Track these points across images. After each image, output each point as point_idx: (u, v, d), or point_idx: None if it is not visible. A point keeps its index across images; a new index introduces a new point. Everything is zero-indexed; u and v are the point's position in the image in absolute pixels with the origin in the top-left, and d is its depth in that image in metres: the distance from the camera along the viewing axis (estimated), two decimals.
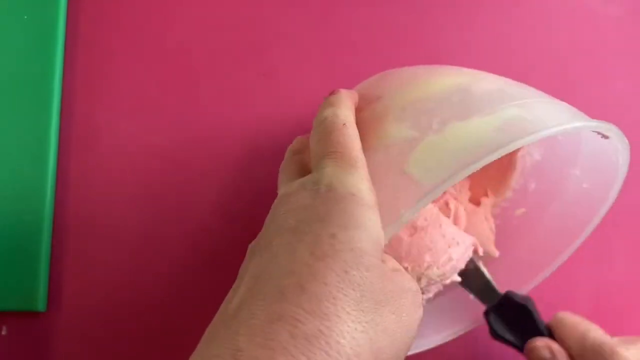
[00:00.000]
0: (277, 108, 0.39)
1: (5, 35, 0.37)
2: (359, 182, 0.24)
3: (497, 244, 0.36)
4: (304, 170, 0.27)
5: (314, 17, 0.40)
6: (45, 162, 0.37)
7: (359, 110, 0.29)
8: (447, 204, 0.34)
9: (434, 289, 0.35)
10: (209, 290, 0.37)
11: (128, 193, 0.38)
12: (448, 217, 0.34)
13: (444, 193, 0.34)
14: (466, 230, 0.35)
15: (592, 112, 0.27)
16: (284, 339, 0.20)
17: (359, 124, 0.27)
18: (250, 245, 0.25)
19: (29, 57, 0.37)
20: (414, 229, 0.32)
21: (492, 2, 0.41)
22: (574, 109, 0.27)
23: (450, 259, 0.32)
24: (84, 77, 0.39)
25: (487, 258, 0.36)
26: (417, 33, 0.40)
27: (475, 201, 0.37)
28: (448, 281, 0.33)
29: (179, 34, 0.39)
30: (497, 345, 0.36)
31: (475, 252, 0.34)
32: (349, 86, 0.33)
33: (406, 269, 0.31)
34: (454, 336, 0.35)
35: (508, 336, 0.34)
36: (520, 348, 0.34)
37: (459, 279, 0.34)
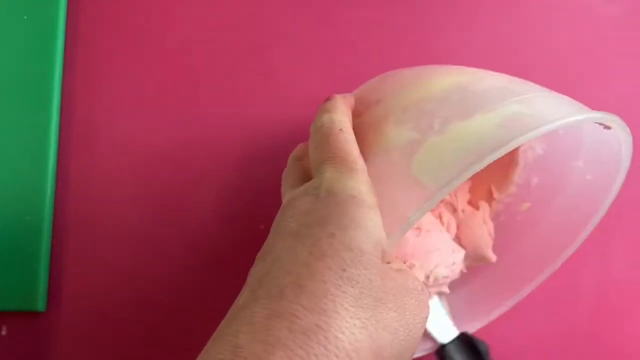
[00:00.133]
0: (277, 108, 0.39)
1: (5, 35, 0.37)
2: (359, 184, 0.24)
3: (502, 241, 0.36)
4: (306, 176, 0.27)
5: (314, 17, 0.40)
6: (45, 162, 0.37)
7: (359, 115, 0.29)
8: (440, 216, 0.34)
9: (433, 292, 0.35)
10: (209, 290, 0.37)
11: (128, 193, 0.38)
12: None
13: (439, 203, 0.35)
14: (464, 234, 0.35)
15: None
16: (282, 335, 0.21)
17: (360, 128, 0.27)
18: (257, 255, 0.25)
19: (29, 57, 0.37)
20: (419, 230, 0.32)
21: (492, 2, 0.41)
22: (576, 102, 0.27)
23: (454, 263, 0.32)
24: (84, 77, 0.39)
25: (487, 262, 0.36)
26: (417, 33, 0.40)
27: (475, 204, 0.37)
28: (445, 288, 0.33)
29: (179, 34, 0.39)
30: (494, 342, 0.36)
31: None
32: (349, 87, 0.33)
33: (413, 266, 0.31)
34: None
35: None
36: None
37: (447, 290, 0.34)
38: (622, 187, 0.31)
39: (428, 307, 0.24)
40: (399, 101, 0.28)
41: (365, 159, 0.26)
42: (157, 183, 0.38)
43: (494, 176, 0.36)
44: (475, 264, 0.36)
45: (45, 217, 0.36)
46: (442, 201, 0.35)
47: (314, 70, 0.39)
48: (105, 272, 0.37)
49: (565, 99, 0.27)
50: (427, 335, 0.35)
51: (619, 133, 0.28)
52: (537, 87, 0.28)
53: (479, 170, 0.23)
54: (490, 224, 0.36)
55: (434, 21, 0.40)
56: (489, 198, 0.37)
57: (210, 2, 0.40)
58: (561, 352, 0.38)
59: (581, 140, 0.32)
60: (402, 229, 0.24)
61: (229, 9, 0.40)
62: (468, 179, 0.36)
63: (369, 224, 0.23)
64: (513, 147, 0.23)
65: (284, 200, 0.26)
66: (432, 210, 0.34)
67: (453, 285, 0.36)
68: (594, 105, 0.27)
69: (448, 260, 0.32)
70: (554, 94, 0.28)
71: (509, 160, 0.36)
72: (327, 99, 0.29)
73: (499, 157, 0.23)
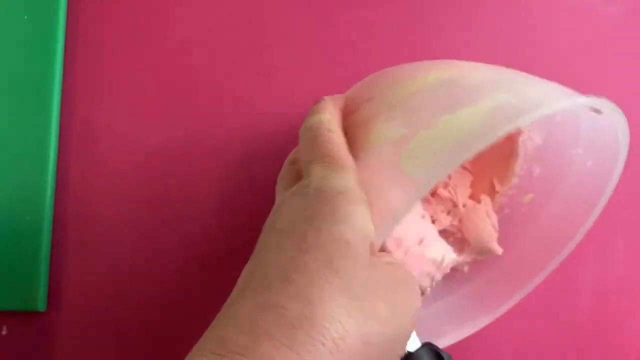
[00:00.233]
0: (277, 108, 0.39)
1: (5, 35, 0.37)
2: (347, 182, 0.24)
3: (508, 234, 0.36)
4: (299, 179, 0.27)
5: (314, 17, 0.40)
6: (45, 162, 0.37)
7: (351, 113, 0.29)
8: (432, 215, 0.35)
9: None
10: (209, 290, 0.37)
11: (128, 193, 0.38)
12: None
13: (435, 201, 0.35)
14: (467, 228, 0.35)
15: None
16: (268, 325, 0.21)
17: (352, 126, 0.28)
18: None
19: (29, 57, 0.37)
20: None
21: (492, 2, 0.41)
22: (566, 89, 0.27)
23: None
24: (84, 77, 0.39)
25: (493, 255, 0.35)
26: (417, 33, 0.40)
27: (477, 199, 0.36)
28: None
29: (179, 34, 0.39)
30: (495, 342, 0.36)
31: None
32: (349, 87, 0.33)
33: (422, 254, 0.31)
34: (465, 336, 0.35)
35: None
36: None
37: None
38: (622, 187, 0.31)
39: (419, 298, 0.25)
40: (388, 98, 0.28)
41: (357, 156, 0.26)
42: (157, 183, 0.38)
43: (496, 169, 0.36)
44: (480, 257, 0.35)
45: (45, 217, 0.36)
46: (439, 197, 0.35)
47: (314, 70, 0.39)
48: (105, 272, 0.37)
49: (555, 86, 0.27)
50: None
51: (613, 117, 0.27)
52: (529, 76, 0.28)
53: (466, 160, 0.23)
54: (494, 217, 0.36)
55: (434, 21, 0.40)
56: (492, 191, 0.36)
57: (210, 2, 0.40)
58: (561, 352, 0.38)
59: (579, 128, 0.32)
60: (391, 223, 0.24)
61: (229, 9, 0.40)
62: (470, 174, 0.36)
63: (357, 218, 0.23)
64: (500, 137, 0.23)
65: (276, 202, 0.27)
66: (426, 209, 0.34)
67: (459, 282, 0.36)
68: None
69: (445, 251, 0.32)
70: (545, 82, 0.28)
71: (510, 152, 0.36)
72: (317, 102, 0.29)
73: (486, 147, 0.23)
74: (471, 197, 0.36)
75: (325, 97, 0.29)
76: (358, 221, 0.23)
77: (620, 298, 0.39)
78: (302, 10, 0.40)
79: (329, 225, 0.23)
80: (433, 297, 0.36)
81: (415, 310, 0.24)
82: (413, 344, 0.32)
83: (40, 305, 0.36)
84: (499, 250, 0.35)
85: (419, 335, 0.33)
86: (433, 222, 0.35)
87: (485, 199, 0.36)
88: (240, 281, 0.24)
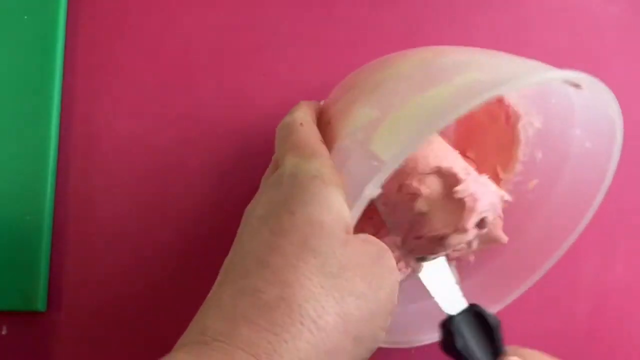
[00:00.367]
0: (277, 108, 0.39)
1: (5, 36, 0.37)
2: (320, 166, 0.25)
3: (515, 221, 0.35)
4: None
5: (314, 17, 0.40)
6: (45, 162, 0.37)
7: (333, 104, 0.29)
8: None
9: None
10: (210, 290, 0.37)
11: (128, 193, 0.38)
12: None
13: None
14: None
15: None
16: (247, 310, 0.21)
17: (332, 116, 0.28)
18: None
19: (29, 57, 0.37)
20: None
21: (492, 2, 0.41)
22: (544, 64, 0.26)
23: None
24: (84, 77, 0.39)
25: (498, 243, 0.35)
26: (417, 33, 0.40)
27: None
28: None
29: (179, 34, 0.39)
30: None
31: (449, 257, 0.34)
32: None
33: (476, 200, 0.31)
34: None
35: (472, 352, 0.30)
36: None
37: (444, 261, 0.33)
38: (622, 186, 0.31)
39: (396, 270, 0.25)
40: (366, 86, 0.28)
41: (335, 143, 0.27)
42: (157, 183, 0.38)
43: (499, 157, 0.36)
44: (485, 246, 0.35)
45: (45, 217, 0.36)
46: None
47: (314, 70, 0.39)
48: (106, 272, 0.37)
49: (533, 62, 0.27)
50: (405, 330, 0.34)
51: (598, 92, 0.27)
52: (508, 55, 0.28)
53: (429, 136, 0.23)
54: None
55: (433, 21, 0.40)
56: (496, 180, 0.36)
57: (211, 2, 0.40)
58: (561, 352, 0.38)
59: (573, 108, 0.32)
60: (359, 204, 0.24)
61: (229, 9, 0.40)
62: (473, 162, 0.36)
63: (330, 200, 0.24)
64: (464, 112, 0.23)
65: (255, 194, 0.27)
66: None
67: (464, 272, 0.35)
68: None
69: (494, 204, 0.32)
70: (525, 60, 0.27)
71: (511, 139, 0.36)
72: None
73: (451, 122, 0.23)
74: None
75: (302, 101, 0.30)
76: (331, 202, 0.24)
77: (620, 298, 0.39)
78: (301, 10, 0.40)
79: (302, 208, 0.23)
80: None
81: (393, 283, 0.25)
82: (457, 306, 0.32)
83: (40, 305, 0.36)
84: (504, 238, 0.35)
85: (423, 327, 0.33)
86: None
87: None
88: (221, 271, 0.25)
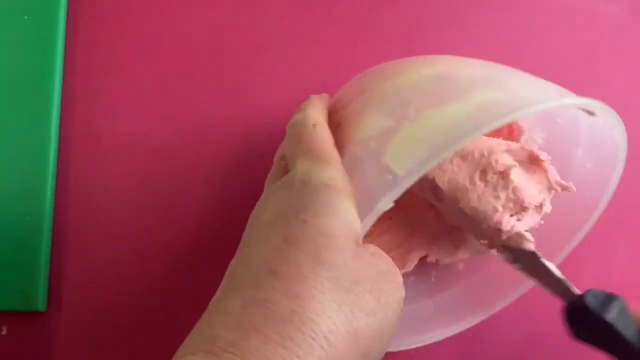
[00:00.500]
0: (277, 108, 0.39)
1: (5, 35, 0.37)
2: (333, 174, 0.24)
3: None
4: (287, 173, 0.27)
5: (314, 17, 0.40)
6: (45, 162, 0.37)
7: (344, 107, 0.29)
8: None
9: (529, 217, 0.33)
10: (210, 290, 0.37)
11: (128, 193, 0.38)
12: None
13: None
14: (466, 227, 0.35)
15: None
16: (258, 321, 0.21)
17: (343, 119, 0.28)
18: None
19: (29, 57, 0.37)
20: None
21: (492, 2, 0.41)
22: (559, 88, 0.27)
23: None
24: (84, 77, 0.39)
25: (489, 254, 0.35)
26: (417, 33, 0.40)
27: None
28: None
29: (179, 34, 0.39)
30: (496, 341, 0.36)
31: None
32: None
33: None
34: (458, 331, 0.35)
35: (624, 323, 0.28)
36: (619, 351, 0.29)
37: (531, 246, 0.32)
38: (622, 187, 0.31)
39: (402, 287, 0.25)
40: (379, 92, 0.28)
41: (345, 148, 0.26)
42: (157, 183, 0.38)
43: None
44: (477, 255, 0.35)
45: (45, 217, 0.36)
46: None
47: (314, 70, 0.39)
48: (106, 272, 0.37)
49: (548, 85, 0.27)
50: (410, 329, 0.34)
51: (607, 118, 0.27)
52: (522, 74, 0.28)
53: (446, 157, 0.23)
54: None
55: (434, 21, 0.40)
56: None
57: (210, 2, 0.40)
58: (561, 352, 0.38)
59: (579, 129, 0.32)
60: (371, 217, 0.24)
61: (229, 9, 0.40)
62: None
63: (342, 209, 0.23)
64: (482, 133, 0.23)
65: (262, 195, 0.27)
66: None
67: (453, 279, 0.35)
68: None
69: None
70: (538, 80, 0.27)
71: None
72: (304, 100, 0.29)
73: (468, 144, 0.23)
74: None
75: (312, 95, 0.30)
76: (343, 213, 0.23)
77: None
78: (301, 10, 0.40)
79: (315, 218, 0.23)
80: (426, 292, 0.36)
81: (399, 300, 0.24)
82: (573, 289, 0.30)
83: (40, 305, 0.36)
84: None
85: (405, 329, 0.33)
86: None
87: None
88: (227, 275, 0.24)
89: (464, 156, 0.31)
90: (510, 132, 0.35)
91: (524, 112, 0.24)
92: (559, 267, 0.31)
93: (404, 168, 0.24)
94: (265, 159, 0.38)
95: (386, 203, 0.24)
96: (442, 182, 0.30)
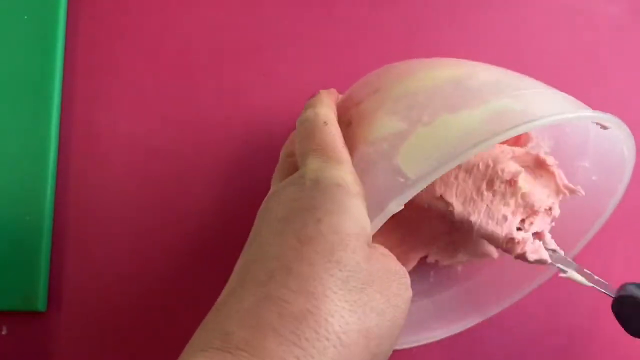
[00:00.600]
0: (277, 108, 0.39)
1: (5, 35, 0.37)
2: (344, 174, 0.24)
3: None
4: (295, 171, 0.27)
5: (314, 17, 0.40)
6: (45, 162, 0.37)
7: (356, 104, 0.29)
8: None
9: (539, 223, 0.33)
10: (210, 290, 0.36)
11: (128, 193, 0.38)
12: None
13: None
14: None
15: None
16: (272, 319, 0.21)
17: (355, 117, 0.28)
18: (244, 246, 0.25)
19: (29, 57, 0.37)
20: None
21: (492, 3, 0.41)
22: (572, 99, 0.27)
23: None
24: (84, 77, 0.39)
25: (488, 258, 0.35)
26: (417, 33, 0.40)
27: None
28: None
29: (179, 34, 0.39)
30: (496, 341, 0.36)
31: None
32: (348, 86, 0.33)
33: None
34: (455, 332, 0.35)
35: None
36: None
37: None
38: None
39: (410, 288, 0.25)
40: (394, 92, 0.28)
41: (357, 147, 0.26)
42: (157, 183, 0.38)
43: None
44: (475, 259, 0.35)
45: (45, 217, 0.36)
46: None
47: (314, 70, 0.39)
48: (106, 272, 0.37)
49: (561, 95, 0.27)
50: (409, 328, 0.34)
51: (619, 133, 0.27)
52: (535, 82, 0.28)
53: (459, 163, 0.23)
54: None
55: (434, 21, 0.40)
56: None
57: (210, 2, 0.40)
58: (561, 352, 0.38)
59: (587, 141, 0.32)
60: (381, 218, 0.24)
61: (229, 9, 0.40)
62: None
63: (354, 210, 0.23)
64: (496, 142, 0.23)
65: (270, 191, 0.27)
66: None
67: (452, 280, 0.35)
68: (594, 105, 0.27)
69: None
70: (551, 90, 0.27)
71: None
72: (312, 95, 0.29)
73: (481, 151, 0.23)
74: None
75: (321, 91, 0.30)
76: (356, 213, 0.23)
77: None
78: (302, 10, 0.40)
79: (328, 217, 0.23)
80: (424, 292, 0.36)
81: (407, 301, 0.25)
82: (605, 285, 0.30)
83: (40, 305, 0.36)
84: (494, 253, 0.35)
85: (405, 328, 0.33)
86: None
87: None
88: (238, 269, 0.24)
89: (468, 169, 0.31)
90: (517, 138, 0.35)
91: (540, 123, 0.24)
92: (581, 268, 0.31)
93: (416, 171, 0.24)
94: (265, 158, 0.38)
95: (397, 205, 0.24)
96: (451, 196, 0.30)
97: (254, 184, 0.38)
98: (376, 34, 0.40)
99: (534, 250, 0.31)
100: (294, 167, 0.28)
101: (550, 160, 0.32)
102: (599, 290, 0.30)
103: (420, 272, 0.36)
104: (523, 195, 0.30)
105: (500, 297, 0.35)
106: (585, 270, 0.31)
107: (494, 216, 0.30)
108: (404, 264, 0.35)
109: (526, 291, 0.35)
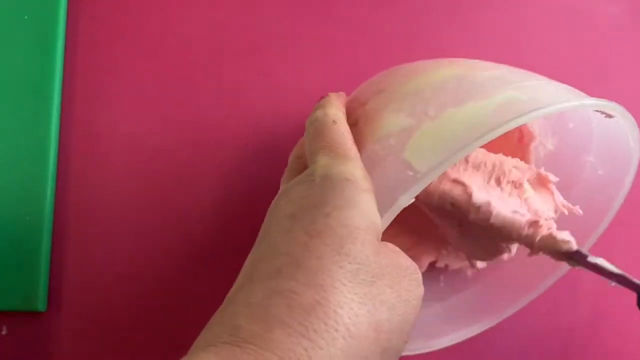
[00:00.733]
0: (277, 108, 0.39)
1: (5, 35, 0.37)
2: (353, 169, 0.25)
3: None
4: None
5: (314, 17, 0.40)
6: (45, 162, 0.37)
7: (361, 105, 0.29)
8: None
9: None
10: (210, 290, 0.37)
11: (128, 193, 0.38)
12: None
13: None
14: None
15: None
16: (281, 312, 0.21)
17: (361, 117, 0.28)
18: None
19: (29, 57, 0.37)
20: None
21: (493, 3, 0.41)
22: (576, 90, 0.27)
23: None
24: (84, 77, 0.39)
25: (498, 261, 0.35)
26: (417, 33, 0.40)
27: None
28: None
29: (179, 34, 0.39)
30: (496, 341, 0.36)
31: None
32: (349, 87, 0.33)
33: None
34: (467, 336, 0.35)
35: None
36: None
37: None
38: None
39: (422, 286, 0.25)
40: (398, 91, 0.28)
41: (364, 146, 0.27)
42: (157, 183, 0.38)
43: None
44: (486, 260, 0.35)
45: (45, 217, 0.36)
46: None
47: (314, 70, 0.39)
48: (106, 272, 0.37)
49: (565, 87, 0.27)
50: (419, 333, 0.34)
51: (623, 122, 0.27)
52: (539, 76, 0.28)
53: (467, 154, 0.23)
54: None
55: (434, 21, 0.40)
56: None
57: (210, 2, 0.40)
58: (561, 352, 0.38)
59: (591, 134, 0.32)
60: (392, 212, 0.24)
61: (229, 9, 0.40)
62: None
63: (363, 204, 0.23)
64: (503, 131, 0.23)
65: (280, 191, 0.27)
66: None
67: (462, 284, 0.35)
68: None
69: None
70: (555, 82, 0.28)
71: (521, 157, 0.36)
72: (322, 97, 0.30)
73: (489, 141, 0.23)
74: None
75: (331, 93, 0.30)
76: (365, 208, 0.23)
77: (621, 298, 0.39)
78: (302, 10, 0.40)
79: (337, 211, 0.23)
80: (436, 297, 0.36)
81: (419, 297, 0.24)
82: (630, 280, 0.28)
83: (40, 305, 0.36)
84: (505, 255, 0.35)
85: (415, 333, 0.33)
86: None
87: None
88: (246, 267, 0.24)
89: (476, 165, 0.31)
90: (520, 138, 0.35)
91: (547, 111, 0.24)
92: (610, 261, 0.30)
93: (425, 164, 0.24)
94: (266, 158, 0.38)
95: (407, 199, 0.24)
96: (467, 180, 0.30)
97: (254, 183, 0.38)
98: (376, 34, 0.40)
99: (559, 233, 0.30)
100: (303, 168, 0.28)
101: (552, 178, 0.32)
102: (627, 279, 0.29)
103: (430, 276, 0.36)
104: (527, 200, 0.30)
105: (512, 298, 0.35)
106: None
107: (509, 204, 0.30)
108: None
109: (539, 291, 0.35)
